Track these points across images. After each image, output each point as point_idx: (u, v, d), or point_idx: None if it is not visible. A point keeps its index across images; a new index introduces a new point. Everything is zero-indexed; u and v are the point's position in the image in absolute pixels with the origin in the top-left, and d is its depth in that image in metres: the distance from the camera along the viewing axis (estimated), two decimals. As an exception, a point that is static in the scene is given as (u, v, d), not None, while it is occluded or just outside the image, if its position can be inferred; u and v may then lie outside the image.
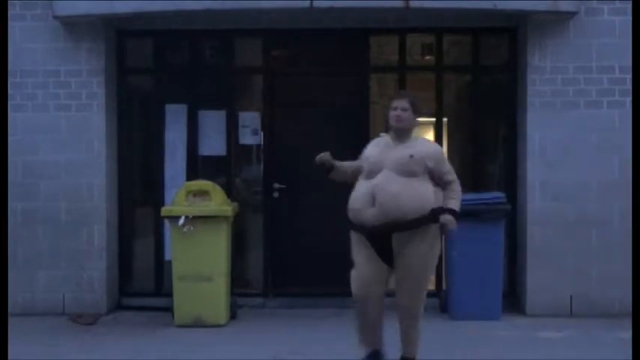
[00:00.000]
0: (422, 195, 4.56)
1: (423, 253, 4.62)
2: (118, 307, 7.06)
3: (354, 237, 4.75)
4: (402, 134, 4.70)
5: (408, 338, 4.82)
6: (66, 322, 6.59)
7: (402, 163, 4.56)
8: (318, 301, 7.02)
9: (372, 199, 4.54)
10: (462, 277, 6.49)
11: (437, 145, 5.06)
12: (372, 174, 4.61)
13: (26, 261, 6.81)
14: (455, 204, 4.65)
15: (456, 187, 4.72)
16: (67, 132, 6.80)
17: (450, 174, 4.71)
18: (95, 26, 6.78)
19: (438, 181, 4.67)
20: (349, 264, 7.22)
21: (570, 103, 6.65)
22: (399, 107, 4.69)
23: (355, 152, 7.14)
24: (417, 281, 4.69)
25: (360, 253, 4.71)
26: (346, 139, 7.15)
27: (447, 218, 4.57)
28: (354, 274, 4.77)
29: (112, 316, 6.87)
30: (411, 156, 4.57)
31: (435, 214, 4.56)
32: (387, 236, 4.56)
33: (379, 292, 4.70)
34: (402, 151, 4.61)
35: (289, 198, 7.14)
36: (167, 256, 6.97)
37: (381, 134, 5.00)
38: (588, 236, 6.64)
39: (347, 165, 4.88)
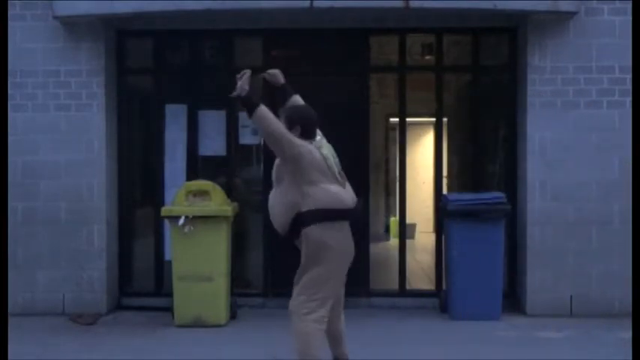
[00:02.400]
0: (284, 199, 4.50)
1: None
2: (118, 307, 7.06)
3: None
4: None
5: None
6: (66, 322, 6.59)
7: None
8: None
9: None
10: (462, 277, 6.49)
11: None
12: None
13: (26, 261, 6.81)
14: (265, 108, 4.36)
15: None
16: (67, 132, 6.80)
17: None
18: (95, 26, 6.78)
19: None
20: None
21: (570, 103, 6.65)
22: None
23: (355, 152, 7.19)
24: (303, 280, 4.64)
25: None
26: (346, 139, 7.16)
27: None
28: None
29: (112, 316, 6.87)
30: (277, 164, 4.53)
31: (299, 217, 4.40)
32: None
33: None
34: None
35: (289, 198, 7.12)
36: (167, 256, 6.97)
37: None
38: (588, 236, 6.64)
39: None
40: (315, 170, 4.39)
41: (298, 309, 4.52)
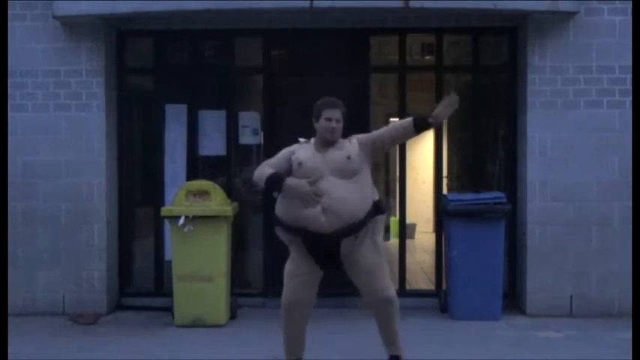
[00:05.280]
0: (365, 193, 4.57)
1: (374, 254, 4.60)
2: (118, 307, 7.05)
3: (295, 242, 4.64)
4: (332, 143, 4.63)
5: (392, 333, 4.83)
6: (66, 322, 6.59)
7: (342, 166, 4.51)
8: (318, 301, 6.99)
9: (322, 207, 4.43)
10: (462, 277, 6.49)
11: (352, 137, 4.75)
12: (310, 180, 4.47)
13: (26, 261, 6.81)
14: (415, 117, 4.67)
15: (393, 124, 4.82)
16: (67, 132, 6.80)
17: (384, 129, 4.78)
18: (95, 26, 6.78)
19: (384, 147, 4.77)
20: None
21: (570, 103, 6.65)
22: (334, 119, 4.61)
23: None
24: (377, 268, 4.64)
25: (300, 260, 4.65)
26: (346, 139, 7.16)
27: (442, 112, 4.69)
28: (290, 282, 4.71)
29: (112, 316, 6.87)
30: (349, 157, 4.53)
31: (377, 207, 4.60)
32: (337, 242, 4.50)
33: (313, 299, 4.78)
34: (337, 155, 4.54)
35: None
36: (167, 256, 6.97)
37: (301, 140, 4.88)
38: (588, 236, 6.64)
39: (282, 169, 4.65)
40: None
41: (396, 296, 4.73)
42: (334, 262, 4.60)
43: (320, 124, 4.64)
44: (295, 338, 4.84)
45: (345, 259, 4.59)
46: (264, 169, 4.65)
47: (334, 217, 4.42)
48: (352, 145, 4.65)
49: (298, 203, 4.48)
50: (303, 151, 4.65)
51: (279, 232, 4.71)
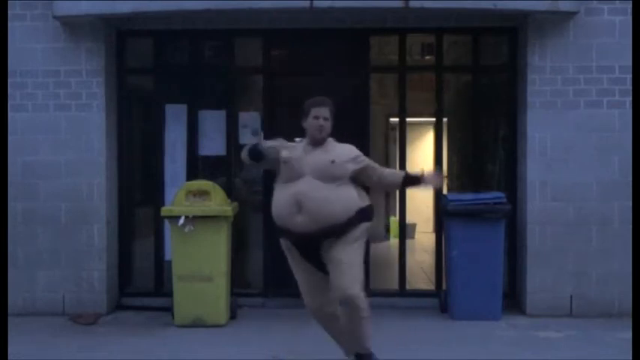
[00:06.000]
0: (347, 198, 4.55)
1: (350, 252, 4.57)
2: (118, 307, 7.05)
3: (284, 245, 4.73)
4: (321, 141, 4.67)
5: (356, 332, 4.74)
6: (66, 322, 6.59)
7: (323, 168, 4.53)
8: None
9: (298, 207, 4.49)
10: (462, 277, 6.49)
11: (352, 147, 4.81)
12: (291, 179, 4.55)
13: (26, 261, 6.81)
14: (407, 173, 4.74)
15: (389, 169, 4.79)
16: (67, 132, 6.80)
17: (379, 166, 4.79)
18: (95, 26, 6.79)
19: (369, 179, 4.73)
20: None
21: (570, 103, 6.65)
22: (322, 117, 4.65)
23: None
24: (352, 277, 4.56)
25: (297, 267, 4.74)
26: (346, 139, 7.15)
27: (430, 179, 4.70)
28: (301, 287, 4.83)
29: (112, 316, 6.87)
30: (333, 161, 4.55)
31: (362, 214, 4.57)
32: (315, 243, 4.54)
33: (330, 301, 4.69)
34: (321, 157, 4.58)
35: (289, 198, 7.12)
36: (167, 256, 6.97)
37: (297, 140, 4.92)
38: (588, 236, 6.64)
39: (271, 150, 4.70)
40: None
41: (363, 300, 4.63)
42: (319, 262, 4.62)
43: (308, 123, 4.68)
44: (336, 338, 4.88)
45: (324, 254, 4.60)
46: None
47: (309, 218, 4.47)
48: (344, 151, 4.67)
49: (280, 202, 4.58)
50: (292, 149, 4.69)
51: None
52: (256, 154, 4.64)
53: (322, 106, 4.68)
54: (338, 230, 4.49)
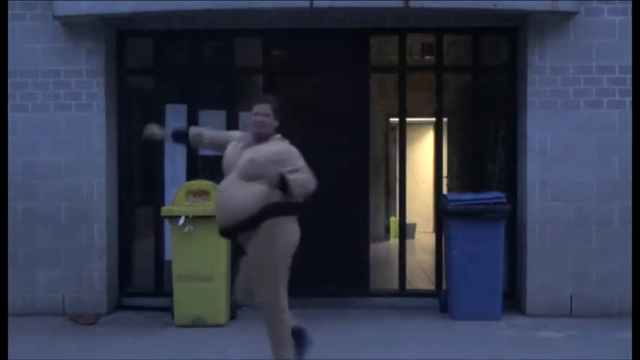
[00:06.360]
0: (251, 197, 4.54)
1: (259, 254, 4.61)
2: (118, 307, 7.05)
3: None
4: (262, 138, 4.71)
5: (270, 339, 4.81)
6: (66, 322, 6.59)
7: (242, 165, 4.58)
8: (318, 301, 7.03)
9: (219, 201, 4.68)
10: (462, 277, 6.49)
11: (285, 147, 4.75)
12: (226, 172, 4.71)
13: (26, 261, 6.81)
14: (292, 176, 4.51)
15: (300, 174, 4.59)
16: (67, 132, 6.80)
17: (299, 171, 4.60)
18: (95, 26, 6.78)
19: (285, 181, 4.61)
20: (348, 264, 7.26)
21: (570, 103, 6.65)
22: (261, 113, 4.71)
23: (355, 152, 7.19)
24: (260, 279, 4.64)
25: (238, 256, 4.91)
26: (346, 139, 7.17)
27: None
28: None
29: (112, 316, 6.87)
30: (251, 160, 4.57)
31: (266, 213, 4.54)
32: (233, 238, 4.71)
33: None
34: (246, 154, 4.63)
35: (289, 198, 7.13)
36: (167, 256, 6.97)
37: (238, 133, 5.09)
38: (588, 236, 6.64)
39: (207, 135, 5.04)
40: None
41: (276, 310, 4.74)
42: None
43: (252, 119, 4.78)
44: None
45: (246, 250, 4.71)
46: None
47: (224, 212, 4.63)
48: (270, 151, 4.62)
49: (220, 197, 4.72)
50: (235, 144, 4.79)
51: None
52: (179, 135, 5.08)
53: (263, 103, 4.78)
54: (242, 228, 4.58)
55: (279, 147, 4.70)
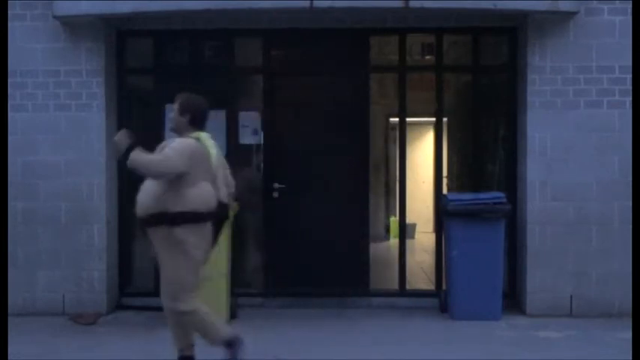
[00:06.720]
0: (151, 194, 4.63)
1: (162, 258, 4.67)
2: (118, 307, 7.05)
3: None
4: (178, 134, 4.80)
5: (175, 335, 4.91)
6: (66, 322, 6.59)
7: None
8: (318, 301, 7.03)
9: None
10: (462, 277, 6.49)
11: (176, 141, 4.73)
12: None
13: (26, 261, 6.81)
14: (137, 151, 4.53)
15: (151, 156, 4.60)
16: (67, 132, 6.80)
17: (165, 151, 4.61)
18: (95, 26, 6.78)
19: None
20: (348, 264, 7.26)
21: (570, 103, 6.65)
22: (172, 110, 4.83)
23: (355, 152, 7.19)
24: (163, 277, 4.72)
25: None
26: (346, 139, 7.17)
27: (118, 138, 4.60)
28: None
29: (112, 316, 6.87)
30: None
31: (158, 216, 4.58)
32: (142, 228, 4.79)
33: None
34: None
35: (289, 198, 7.14)
36: (167, 256, 6.95)
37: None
38: (588, 236, 6.64)
39: None
40: (199, 170, 4.60)
41: (177, 307, 4.71)
42: None
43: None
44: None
45: None
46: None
47: (138, 206, 4.71)
48: (177, 149, 4.61)
49: None
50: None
51: None
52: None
53: (174, 102, 4.86)
54: (145, 224, 4.66)
55: (173, 142, 4.73)
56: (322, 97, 7.22)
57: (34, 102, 6.81)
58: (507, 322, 6.46)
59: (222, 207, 4.76)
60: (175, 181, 4.55)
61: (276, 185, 7.14)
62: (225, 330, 4.89)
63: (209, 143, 4.78)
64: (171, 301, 4.68)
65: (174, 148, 4.61)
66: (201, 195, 4.60)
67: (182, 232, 4.55)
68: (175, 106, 4.81)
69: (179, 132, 4.79)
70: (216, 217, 4.70)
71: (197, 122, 4.78)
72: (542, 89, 6.65)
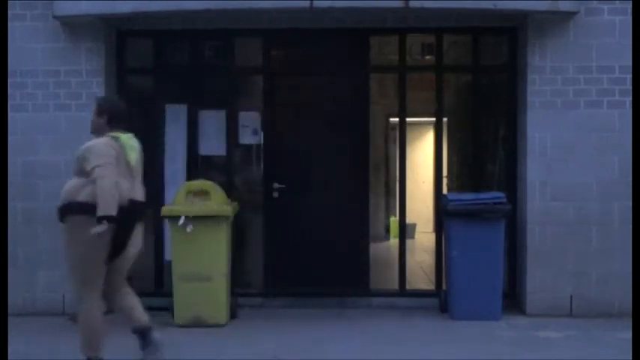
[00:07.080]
0: (69, 188, 4.72)
1: (65, 247, 4.82)
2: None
3: None
4: (96, 136, 4.88)
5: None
6: (66, 322, 6.59)
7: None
8: (318, 301, 7.03)
9: None
10: (462, 277, 6.49)
11: (92, 144, 4.80)
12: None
13: (26, 261, 6.81)
14: (100, 208, 4.54)
15: (99, 183, 4.58)
16: (67, 132, 6.80)
17: (95, 170, 4.61)
18: (95, 26, 6.78)
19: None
20: (348, 264, 7.26)
21: (570, 103, 6.65)
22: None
23: (355, 152, 7.19)
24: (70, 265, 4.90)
25: None
26: (346, 139, 7.17)
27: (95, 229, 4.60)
28: None
29: (112, 316, 6.85)
30: (77, 158, 4.76)
31: (67, 209, 4.68)
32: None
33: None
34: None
35: (289, 198, 7.14)
36: (167, 256, 6.96)
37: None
38: (588, 236, 6.64)
39: None
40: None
41: (84, 303, 4.99)
42: None
43: None
44: None
45: None
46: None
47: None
48: (84, 147, 4.77)
49: None
50: None
51: None
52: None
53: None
54: (60, 214, 4.74)
55: (88, 145, 4.81)
56: (322, 97, 7.23)
57: (34, 102, 6.81)
58: (507, 322, 6.46)
59: (136, 205, 4.89)
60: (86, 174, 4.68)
61: (276, 185, 7.15)
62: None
63: (130, 144, 4.92)
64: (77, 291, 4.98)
65: (93, 160, 4.66)
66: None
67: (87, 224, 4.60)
68: (93, 109, 4.97)
69: (97, 133, 4.90)
70: (127, 214, 4.78)
71: (114, 123, 4.90)
72: (542, 89, 6.65)
